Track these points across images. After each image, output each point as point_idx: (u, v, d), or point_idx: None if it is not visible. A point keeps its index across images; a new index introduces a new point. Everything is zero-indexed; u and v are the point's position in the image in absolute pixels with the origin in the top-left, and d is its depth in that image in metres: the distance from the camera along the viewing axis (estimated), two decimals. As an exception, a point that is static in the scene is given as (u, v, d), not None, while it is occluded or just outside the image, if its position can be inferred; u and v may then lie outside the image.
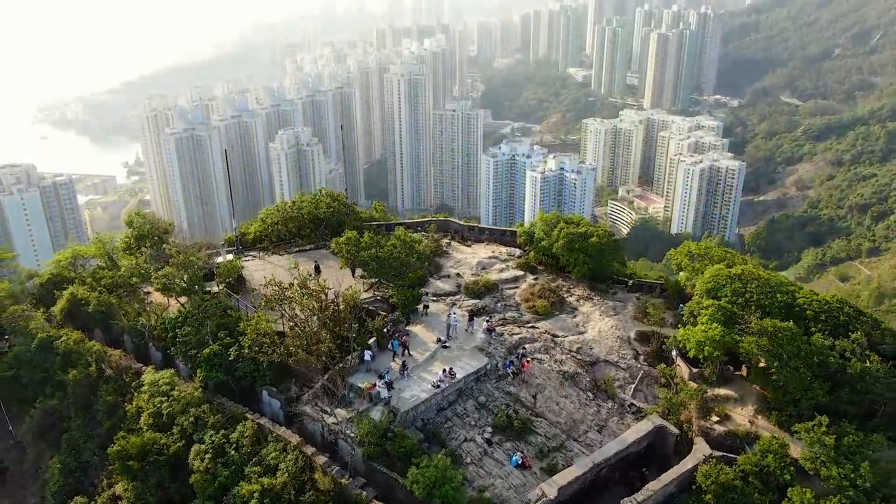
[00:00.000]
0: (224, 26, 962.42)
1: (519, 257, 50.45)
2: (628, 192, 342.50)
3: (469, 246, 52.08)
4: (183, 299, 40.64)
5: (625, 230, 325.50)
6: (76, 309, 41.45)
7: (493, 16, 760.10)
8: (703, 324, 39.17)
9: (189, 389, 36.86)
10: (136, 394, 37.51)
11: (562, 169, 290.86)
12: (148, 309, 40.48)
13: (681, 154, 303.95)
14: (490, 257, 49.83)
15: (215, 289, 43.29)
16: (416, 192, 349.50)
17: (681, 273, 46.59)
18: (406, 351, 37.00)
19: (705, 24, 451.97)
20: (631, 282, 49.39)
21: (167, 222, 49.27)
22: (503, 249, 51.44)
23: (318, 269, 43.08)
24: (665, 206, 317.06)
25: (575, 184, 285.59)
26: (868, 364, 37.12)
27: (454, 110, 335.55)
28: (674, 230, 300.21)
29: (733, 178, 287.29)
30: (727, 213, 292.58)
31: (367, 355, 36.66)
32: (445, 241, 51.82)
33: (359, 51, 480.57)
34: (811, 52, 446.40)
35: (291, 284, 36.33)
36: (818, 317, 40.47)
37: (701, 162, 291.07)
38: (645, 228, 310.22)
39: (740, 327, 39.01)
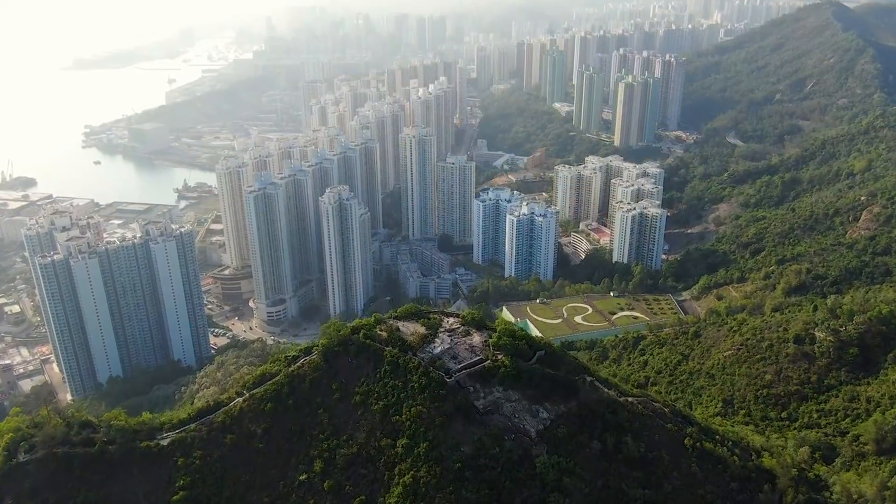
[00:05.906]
0: (238, 49, 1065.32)
1: None
2: (587, 227, 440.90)
3: None
4: None
5: (582, 255, 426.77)
6: None
7: (493, 30, 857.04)
8: None
9: None
10: None
11: (532, 213, 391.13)
12: None
13: (621, 202, 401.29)
14: None
15: None
16: (423, 223, 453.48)
17: None
18: None
19: (668, 71, 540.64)
20: None
21: None
22: None
23: None
24: (611, 240, 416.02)
25: (542, 225, 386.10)
26: None
27: (453, 163, 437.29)
28: (615, 259, 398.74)
29: (657, 222, 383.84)
30: (653, 247, 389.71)
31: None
32: None
33: (372, 90, 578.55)
34: (757, 96, 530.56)
35: None
36: None
37: (634, 209, 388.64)
38: (595, 257, 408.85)
39: None
